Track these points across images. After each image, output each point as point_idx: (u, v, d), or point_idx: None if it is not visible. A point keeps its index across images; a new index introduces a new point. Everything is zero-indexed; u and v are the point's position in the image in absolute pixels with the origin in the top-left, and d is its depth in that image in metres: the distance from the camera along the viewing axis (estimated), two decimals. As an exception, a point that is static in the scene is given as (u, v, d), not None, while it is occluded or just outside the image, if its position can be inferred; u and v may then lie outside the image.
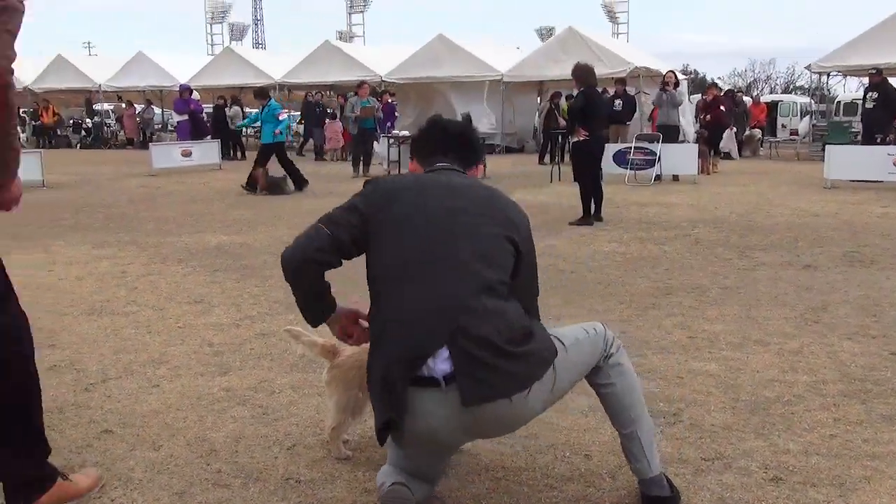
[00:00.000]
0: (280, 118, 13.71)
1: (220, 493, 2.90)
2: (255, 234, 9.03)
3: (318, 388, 3.79)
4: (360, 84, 17.93)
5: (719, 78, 60.25)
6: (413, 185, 2.73)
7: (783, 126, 30.76)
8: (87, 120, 31.62)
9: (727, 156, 19.52)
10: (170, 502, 2.85)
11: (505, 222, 2.62)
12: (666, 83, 15.32)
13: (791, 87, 60.87)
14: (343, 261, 2.67)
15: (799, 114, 30.59)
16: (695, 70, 68.20)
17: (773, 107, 31.62)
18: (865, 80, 18.71)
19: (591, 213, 9.62)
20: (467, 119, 3.12)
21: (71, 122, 31.57)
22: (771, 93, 53.53)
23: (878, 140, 16.04)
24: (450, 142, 2.92)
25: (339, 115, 22.36)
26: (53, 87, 31.93)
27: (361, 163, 16.80)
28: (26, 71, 33.01)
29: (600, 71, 20.02)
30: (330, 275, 2.69)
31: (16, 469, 2.72)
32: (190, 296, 5.97)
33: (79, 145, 29.89)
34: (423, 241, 2.54)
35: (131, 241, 8.55)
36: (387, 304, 2.56)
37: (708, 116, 17.89)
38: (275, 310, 5.48)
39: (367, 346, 2.82)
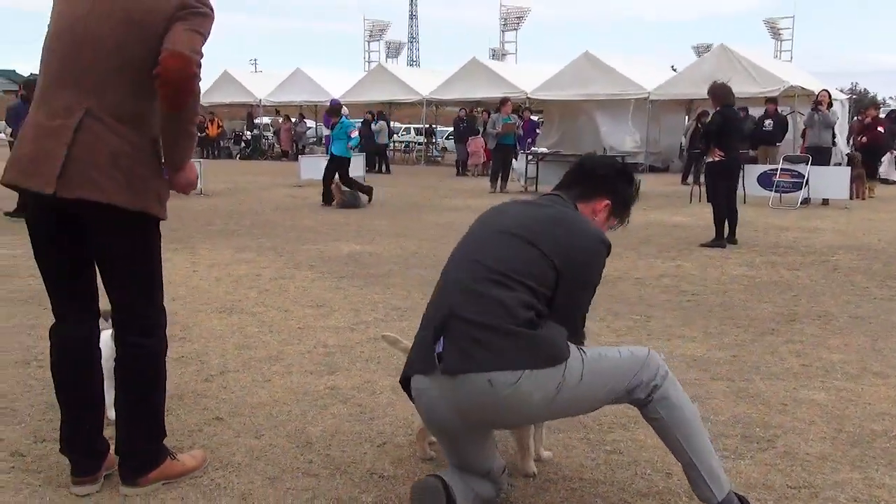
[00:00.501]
0: (352, 136, 14.12)
1: (308, 482, 3.10)
2: (386, 244, 9.35)
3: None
4: (503, 101, 18.15)
5: (890, 98, 56.83)
6: (502, 207, 2.94)
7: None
8: (247, 132, 33.46)
9: (886, 181, 18.42)
10: (262, 486, 3.07)
11: (551, 242, 2.65)
12: (819, 102, 14.67)
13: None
14: None
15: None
16: (864, 89, 64.71)
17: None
18: None
19: (723, 235, 9.38)
20: (620, 161, 3.19)
21: (233, 134, 33.55)
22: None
23: None
24: (577, 175, 3.00)
25: (482, 131, 22.70)
26: (219, 101, 34.07)
27: (500, 178, 16.99)
28: (195, 85, 35.43)
29: (752, 89, 19.62)
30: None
31: (134, 448, 2.99)
32: (314, 300, 6.29)
33: (238, 156, 31.70)
34: (462, 254, 2.78)
35: (271, 246, 9.05)
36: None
37: (864, 138, 16.97)
38: (390, 316, 5.70)
39: None
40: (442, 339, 2.57)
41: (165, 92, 2.70)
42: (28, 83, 17.37)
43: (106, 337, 3.21)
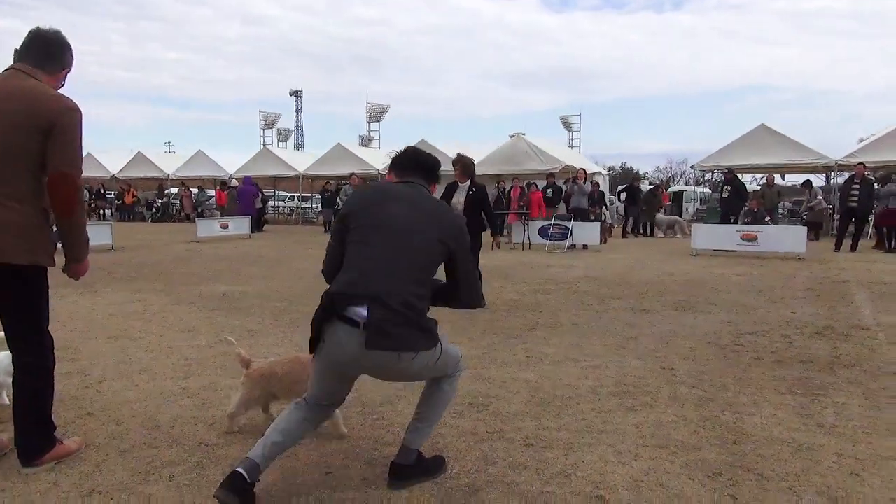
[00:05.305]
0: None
1: (150, 451, 3.32)
2: (254, 285, 9.43)
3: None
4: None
5: (646, 173, 61.88)
6: (381, 195, 2.96)
7: (686, 209, 31.86)
8: (158, 200, 32.28)
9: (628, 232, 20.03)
10: (114, 456, 3.27)
11: (444, 229, 2.89)
12: (577, 178, 15.97)
13: (701, 180, 62.16)
14: None
15: (699, 201, 31.95)
16: (631, 166, 70.39)
17: (679, 195, 32.84)
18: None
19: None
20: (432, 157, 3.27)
21: (145, 201, 32.25)
22: (686, 184, 55.01)
23: (732, 220, 16.62)
24: (422, 165, 3.15)
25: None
26: (133, 175, 32.85)
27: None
28: (113, 162, 34.01)
29: (538, 167, 20.95)
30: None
31: (30, 437, 3.08)
32: (186, 326, 6.38)
33: (150, 219, 30.47)
34: (384, 237, 2.82)
35: (162, 289, 8.96)
36: (348, 261, 2.84)
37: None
38: (243, 336, 5.88)
39: (270, 362, 3.47)
40: (367, 311, 2.67)
41: (57, 206, 2.89)
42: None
43: None
